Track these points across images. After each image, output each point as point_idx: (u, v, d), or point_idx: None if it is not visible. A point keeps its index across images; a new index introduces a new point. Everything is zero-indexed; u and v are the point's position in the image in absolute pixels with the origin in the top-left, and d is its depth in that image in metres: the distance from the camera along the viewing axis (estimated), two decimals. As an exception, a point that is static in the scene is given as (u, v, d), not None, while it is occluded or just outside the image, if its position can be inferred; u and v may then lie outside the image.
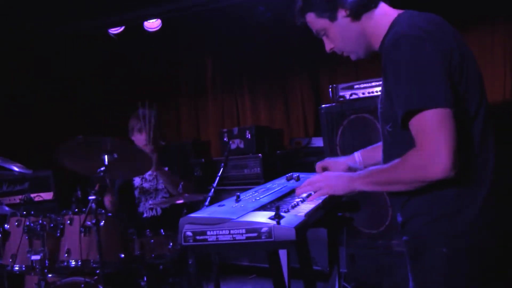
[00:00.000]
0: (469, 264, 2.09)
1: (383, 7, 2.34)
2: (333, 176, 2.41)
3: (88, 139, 4.19)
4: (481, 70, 2.25)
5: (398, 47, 2.08)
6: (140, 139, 5.00)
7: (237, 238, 1.95)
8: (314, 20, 2.39)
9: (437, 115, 1.97)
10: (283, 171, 3.40)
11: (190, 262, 4.36)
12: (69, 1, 6.32)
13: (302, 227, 1.99)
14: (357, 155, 2.86)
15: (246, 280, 6.06)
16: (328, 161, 2.95)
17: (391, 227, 4.76)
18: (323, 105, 5.37)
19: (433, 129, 1.97)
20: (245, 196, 2.57)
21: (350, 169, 2.83)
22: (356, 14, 2.30)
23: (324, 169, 2.91)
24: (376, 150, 2.72)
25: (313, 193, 2.52)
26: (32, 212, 4.33)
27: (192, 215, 2.11)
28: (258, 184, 4.26)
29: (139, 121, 4.95)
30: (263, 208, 2.27)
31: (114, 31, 7.13)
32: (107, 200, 4.94)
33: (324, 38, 2.45)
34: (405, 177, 2.09)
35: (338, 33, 2.36)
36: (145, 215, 5.03)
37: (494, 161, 2.15)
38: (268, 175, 6.01)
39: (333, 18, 2.33)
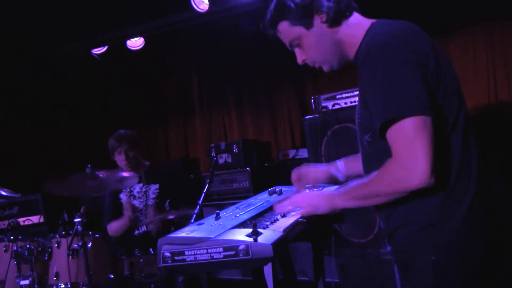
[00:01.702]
0: (458, 271, 2.07)
1: (357, 16, 2.32)
2: (314, 196, 2.40)
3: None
4: (464, 73, 2.25)
5: (373, 56, 2.06)
6: (119, 160, 5.05)
7: (215, 256, 1.96)
8: (288, 29, 2.34)
9: (414, 124, 1.94)
10: (272, 184, 3.38)
11: (179, 280, 4.35)
12: (49, 24, 6.33)
13: (280, 243, 1.99)
14: (339, 164, 2.81)
15: (239, 295, 6.05)
16: (306, 169, 2.89)
17: (380, 236, 4.76)
18: (306, 117, 5.38)
19: (410, 139, 1.95)
20: (225, 213, 2.57)
21: (332, 176, 2.81)
22: (333, 21, 2.26)
23: (299, 177, 2.87)
24: (358, 160, 2.64)
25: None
26: (20, 237, 4.34)
27: (171, 235, 2.12)
28: (248, 197, 4.26)
29: (116, 143, 5.01)
30: (242, 225, 2.27)
31: (97, 51, 7.13)
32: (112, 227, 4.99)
33: (296, 50, 2.39)
34: (384, 190, 2.07)
35: (313, 41, 2.31)
36: (136, 232, 5.03)
37: (477, 167, 2.13)
38: (257, 188, 6.00)
39: (309, 25, 2.28)
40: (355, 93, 5.05)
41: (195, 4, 6.04)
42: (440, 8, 5.70)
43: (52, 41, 6.81)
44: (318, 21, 2.27)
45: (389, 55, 2.02)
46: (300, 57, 2.41)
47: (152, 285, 4.50)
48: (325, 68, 2.41)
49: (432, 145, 1.94)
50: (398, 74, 2.00)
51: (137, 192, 5.08)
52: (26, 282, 4.17)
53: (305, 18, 2.28)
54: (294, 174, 2.90)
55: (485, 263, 2.11)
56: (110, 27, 6.70)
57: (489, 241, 2.12)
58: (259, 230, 1.99)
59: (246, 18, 6.43)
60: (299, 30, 2.31)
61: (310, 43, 2.33)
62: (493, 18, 5.61)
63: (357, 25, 2.28)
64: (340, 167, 2.81)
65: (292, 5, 2.28)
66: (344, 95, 5.16)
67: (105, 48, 7.17)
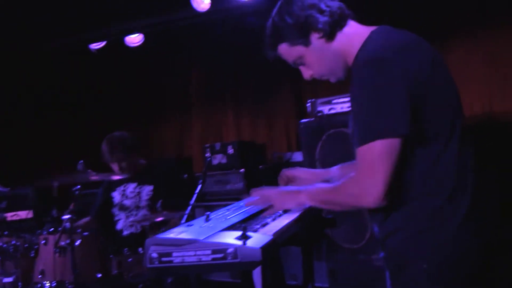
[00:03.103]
0: (450, 279, 2.07)
1: (353, 25, 2.33)
2: (282, 192, 2.52)
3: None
4: (460, 82, 2.23)
5: (361, 72, 2.09)
6: (113, 167, 5.01)
7: (203, 259, 1.94)
8: (288, 50, 2.36)
9: (382, 146, 1.98)
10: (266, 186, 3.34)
11: (168, 281, 4.31)
12: (49, 18, 6.29)
13: (269, 247, 1.97)
14: (335, 170, 2.85)
15: (228, 297, 6.01)
16: (301, 171, 2.96)
17: (371, 242, 4.74)
18: (302, 120, 5.37)
19: (374, 161, 2.00)
20: (215, 215, 2.56)
21: (326, 182, 2.77)
22: (329, 35, 2.27)
23: (289, 179, 2.93)
24: (352, 167, 2.66)
25: (281, 212, 2.54)
26: (6, 233, 4.29)
27: (159, 235, 2.09)
28: (241, 199, 4.22)
29: (107, 153, 4.95)
30: (232, 227, 2.25)
31: (95, 46, 7.09)
32: (83, 222, 4.94)
33: (301, 67, 2.42)
34: (341, 201, 2.21)
35: (315, 57, 2.32)
36: (124, 232, 4.99)
37: (474, 176, 2.14)
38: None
39: (307, 43, 2.29)
40: (351, 98, 5.03)
41: (194, 3, 6.00)
42: (438, 16, 5.72)
43: (49, 35, 6.77)
44: (315, 37, 2.28)
45: (378, 72, 2.03)
46: (306, 74, 2.43)
47: (140, 285, 4.46)
48: (332, 80, 2.43)
49: (394, 169, 2.00)
50: (383, 93, 2.01)
51: (130, 192, 5.04)
52: (10, 279, 4.12)
53: (302, 37, 2.29)
54: (284, 175, 2.95)
55: (477, 272, 2.11)
56: (109, 22, 6.67)
57: (482, 251, 2.12)
58: (249, 233, 1.98)
59: (246, 19, 6.42)
60: (299, 49, 2.33)
61: (312, 60, 2.35)
62: (490, 27, 5.63)
63: (354, 34, 2.29)
64: (334, 173, 2.84)
65: (287, 26, 2.30)
66: (340, 100, 5.18)
67: (104, 43, 7.13)
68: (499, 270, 2.21)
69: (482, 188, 2.16)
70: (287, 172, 2.94)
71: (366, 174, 2.02)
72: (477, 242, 2.11)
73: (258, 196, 2.56)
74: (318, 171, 2.97)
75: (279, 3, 2.37)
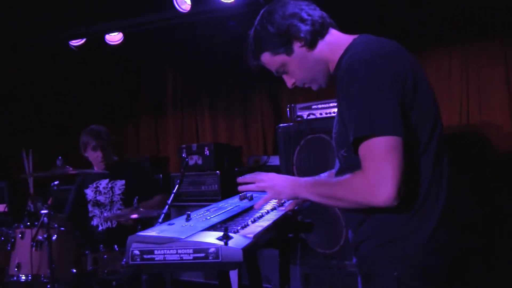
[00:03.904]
0: (421, 286, 2.10)
1: (334, 33, 2.36)
2: (279, 178, 2.43)
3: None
4: (438, 94, 2.26)
5: (352, 72, 2.08)
6: (94, 156, 5.01)
7: (184, 258, 1.95)
8: (270, 59, 2.38)
9: (386, 143, 1.96)
10: (241, 189, 3.35)
11: (143, 278, 4.32)
12: (28, 14, 6.24)
13: (250, 249, 1.99)
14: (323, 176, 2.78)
15: (201, 298, 6.02)
16: None
17: (345, 248, 4.77)
18: (280, 125, 5.39)
19: (380, 157, 1.97)
20: (196, 215, 2.56)
21: None
22: (311, 43, 2.30)
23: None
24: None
25: (264, 214, 2.54)
26: (-18, 226, 4.28)
27: (141, 233, 2.10)
28: (216, 201, 4.25)
29: (93, 139, 4.96)
30: (213, 228, 2.26)
31: (75, 43, 7.05)
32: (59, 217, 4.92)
33: (284, 76, 2.44)
34: (348, 197, 2.09)
35: (297, 65, 2.35)
36: (100, 228, 4.99)
37: (447, 186, 2.16)
38: (226, 192, 5.99)
39: (289, 51, 2.32)
40: (331, 104, 5.08)
41: (177, 3, 5.99)
42: (416, 27, 5.76)
43: (28, 31, 6.70)
44: (297, 46, 2.31)
45: (368, 72, 2.04)
46: (289, 82, 2.46)
47: (114, 282, 4.46)
48: (314, 87, 2.45)
49: (401, 167, 1.96)
50: (376, 92, 2.01)
51: (103, 187, 5.05)
52: (-14, 271, 4.12)
53: (284, 45, 2.31)
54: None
55: (448, 280, 2.14)
56: (89, 20, 6.62)
57: (453, 259, 2.15)
58: (230, 234, 1.99)
59: (227, 22, 6.42)
60: (281, 58, 2.35)
61: (294, 68, 2.37)
62: (468, 38, 5.68)
63: (337, 41, 2.32)
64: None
65: (269, 35, 2.32)
66: (319, 106, 5.18)
67: (83, 40, 7.09)
68: (471, 277, 2.26)
69: (454, 199, 2.20)
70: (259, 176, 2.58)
71: (373, 171, 1.98)
72: (449, 250, 2.14)
73: (252, 179, 2.51)
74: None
75: (261, 13, 2.39)
